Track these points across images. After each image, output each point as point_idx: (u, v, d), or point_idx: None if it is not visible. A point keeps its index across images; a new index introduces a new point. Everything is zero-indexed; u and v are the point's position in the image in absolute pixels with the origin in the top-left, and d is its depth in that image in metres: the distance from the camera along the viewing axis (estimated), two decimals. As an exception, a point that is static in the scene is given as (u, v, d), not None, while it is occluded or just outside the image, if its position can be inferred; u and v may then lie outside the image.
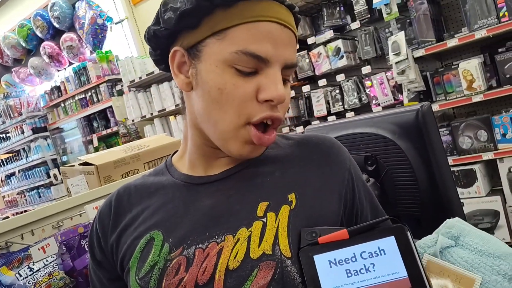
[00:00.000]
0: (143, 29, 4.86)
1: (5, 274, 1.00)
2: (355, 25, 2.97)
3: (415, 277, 0.59)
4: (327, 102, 3.29)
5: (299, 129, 3.39)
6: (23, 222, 1.13)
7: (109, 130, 4.85)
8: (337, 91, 3.23)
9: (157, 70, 4.00)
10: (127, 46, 4.87)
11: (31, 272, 1.03)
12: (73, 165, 1.40)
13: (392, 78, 2.88)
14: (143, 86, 4.34)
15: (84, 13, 4.81)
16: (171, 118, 4.13)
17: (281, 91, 0.63)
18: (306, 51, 3.24)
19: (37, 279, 1.03)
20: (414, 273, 0.60)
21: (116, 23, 4.87)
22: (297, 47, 0.70)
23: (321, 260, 0.64)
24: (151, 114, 4.24)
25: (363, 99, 3.13)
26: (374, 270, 0.61)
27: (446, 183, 0.89)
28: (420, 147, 0.89)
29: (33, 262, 1.04)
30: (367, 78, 3.08)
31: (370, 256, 0.63)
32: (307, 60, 3.25)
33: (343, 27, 3.20)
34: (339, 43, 3.06)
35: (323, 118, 3.32)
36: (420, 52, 2.61)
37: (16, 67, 5.69)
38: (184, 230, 0.68)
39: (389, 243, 0.63)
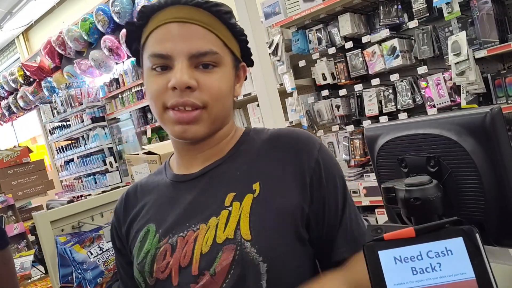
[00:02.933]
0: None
1: (78, 251, 1.08)
2: (412, 23, 2.90)
3: (483, 279, 0.59)
4: (379, 102, 3.24)
5: (349, 127, 3.36)
6: (94, 205, 1.22)
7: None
8: (390, 91, 3.17)
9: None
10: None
11: (101, 251, 1.11)
12: (138, 154, 1.49)
13: (450, 79, 2.79)
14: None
15: (142, 8, 4.99)
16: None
17: (181, 78, 0.71)
18: (360, 49, 3.20)
19: (106, 258, 1.11)
20: (482, 275, 0.60)
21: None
22: (219, 34, 0.77)
23: (386, 256, 0.65)
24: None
25: (417, 99, 3.05)
26: (440, 270, 0.62)
27: (513, 188, 0.87)
28: (487, 151, 0.88)
29: (103, 242, 1.12)
30: (422, 78, 3.00)
31: (437, 255, 0.63)
32: (361, 59, 3.21)
33: (399, 26, 3.13)
34: (395, 42, 3.00)
35: (375, 118, 3.28)
36: (481, 53, 2.52)
37: (78, 59, 5.98)
38: (170, 222, 0.80)
39: (457, 244, 0.63)
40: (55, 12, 6.87)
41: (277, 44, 3.36)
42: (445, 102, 2.90)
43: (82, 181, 6.21)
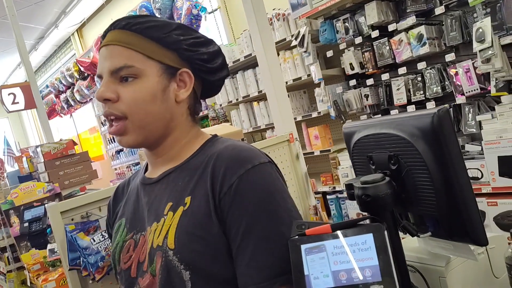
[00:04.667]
0: (233, 18, 5.08)
1: (83, 239, 1.24)
2: (439, 10, 2.83)
3: (385, 270, 0.67)
4: (408, 91, 3.19)
5: (378, 117, 3.34)
6: (101, 197, 1.38)
7: (201, 113, 5.20)
8: (419, 79, 3.11)
9: (242, 58, 4.20)
10: (218, 35, 5.15)
11: (103, 239, 1.26)
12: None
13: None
14: (230, 72, 4.57)
15: (181, 4, 5.17)
16: (255, 103, 4.31)
17: (97, 92, 0.85)
18: (386, 38, 3.16)
19: (107, 244, 1.26)
20: (385, 267, 0.67)
21: (209, 13, 5.16)
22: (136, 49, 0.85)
23: (306, 249, 0.74)
24: (237, 99, 4.47)
25: (446, 87, 2.98)
26: (352, 260, 0.70)
27: (462, 186, 0.91)
28: (436, 151, 0.91)
29: (105, 230, 1.27)
30: (452, 65, 2.92)
31: (349, 248, 0.71)
32: (387, 47, 3.17)
33: (428, 12, 3.05)
34: (421, 29, 2.93)
35: (403, 107, 3.24)
36: (508, 39, 2.42)
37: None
38: (134, 220, 0.92)
39: (367, 239, 0.71)
40: (104, 10, 7.26)
41: (303, 36, 3.39)
42: (474, 89, 2.81)
43: (131, 170, 6.60)
